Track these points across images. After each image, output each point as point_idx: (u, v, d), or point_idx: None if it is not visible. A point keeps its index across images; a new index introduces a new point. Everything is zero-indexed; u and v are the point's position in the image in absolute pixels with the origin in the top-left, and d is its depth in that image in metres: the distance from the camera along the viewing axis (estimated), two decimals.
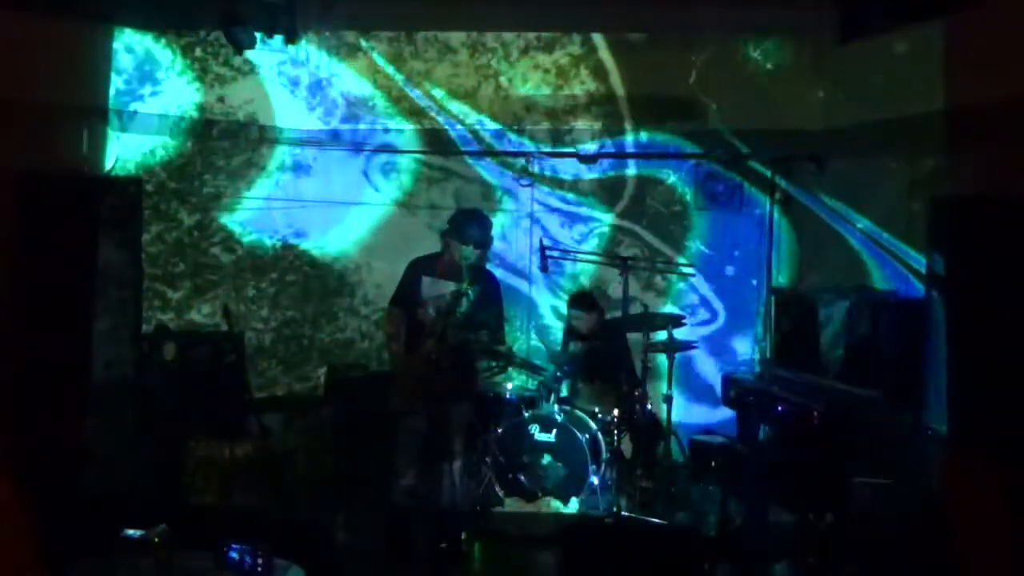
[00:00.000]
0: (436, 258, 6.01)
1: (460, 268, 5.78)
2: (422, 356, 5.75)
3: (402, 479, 5.95)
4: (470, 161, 7.93)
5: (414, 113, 7.85)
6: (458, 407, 5.95)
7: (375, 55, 7.80)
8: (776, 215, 7.39)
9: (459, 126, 7.86)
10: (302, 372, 7.85)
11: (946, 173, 6.05)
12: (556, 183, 7.93)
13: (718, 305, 7.94)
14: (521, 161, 7.88)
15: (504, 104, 7.84)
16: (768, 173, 6.62)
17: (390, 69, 7.81)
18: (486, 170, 7.94)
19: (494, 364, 6.77)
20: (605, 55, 7.81)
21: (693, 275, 7.80)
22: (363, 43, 7.77)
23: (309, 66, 7.71)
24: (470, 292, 5.67)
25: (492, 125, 7.87)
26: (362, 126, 7.84)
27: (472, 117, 7.86)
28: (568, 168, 7.92)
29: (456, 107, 7.86)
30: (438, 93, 7.84)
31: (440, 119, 7.85)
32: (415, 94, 7.83)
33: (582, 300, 7.12)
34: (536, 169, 7.90)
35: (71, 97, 6.48)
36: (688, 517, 6.38)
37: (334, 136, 7.84)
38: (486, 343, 5.95)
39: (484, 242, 5.97)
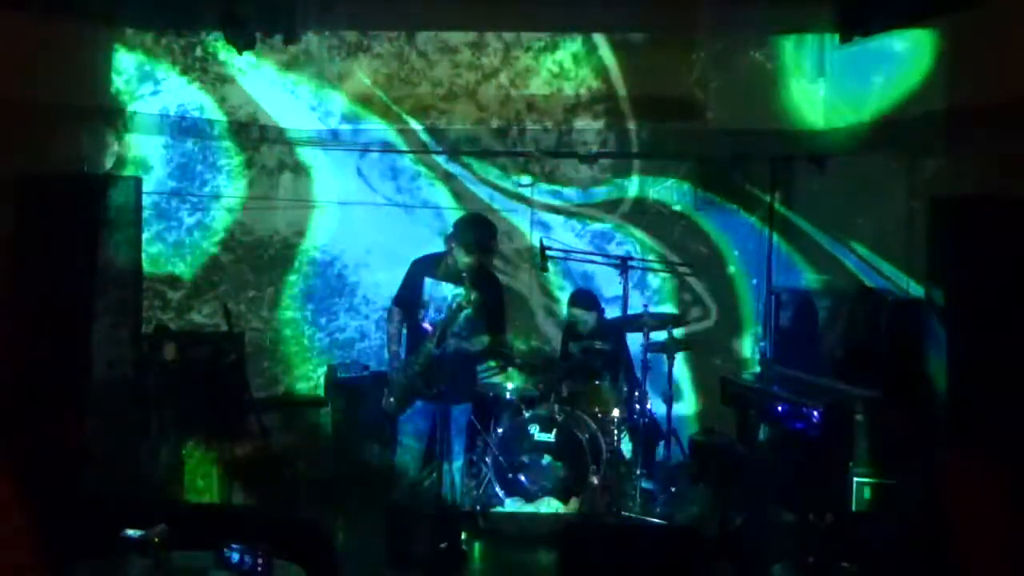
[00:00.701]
0: (439, 260, 6.00)
1: (460, 272, 5.78)
2: (421, 358, 5.75)
3: (401, 479, 5.95)
4: (470, 161, 7.93)
5: (414, 113, 7.85)
6: (457, 409, 5.95)
7: (377, 53, 7.80)
8: (776, 216, 7.42)
9: (458, 125, 7.86)
10: (302, 372, 7.86)
11: (946, 173, 6.04)
12: (557, 186, 7.96)
13: (719, 305, 7.95)
14: (521, 177, 7.90)
15: (504, 104, 7.84)
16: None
17: (391, 69, 7.81)
18: (486, 170, 7.95)
19: (494, 364, 6.79)
20: (605, 55, 7.82)
21: (692, 275, 7.80)
22: (363, 43, 7.78)
23: (309, 66, 7.71)
24: (472, 297, 5.67)
25: (492, 125, 7.87)
26: (362, 126, 7.85)
27: (472, 117, 7.86)
28: (569, 168, 7.93)
29: (456, 107, 7.85)
30: (438, 92, 7.84)
31: (439, 119, 7.85)
32: (415, 94, 7.83)
33: (583, 299, 7.12)
34: (536, 171, 7.91)
35: (71, 97, 6.47)
36: (688, 517, 6.38)
37: (334, 136, 7.84)
38: (487, 347, 5.95)
39: (487, 248, 5.95)
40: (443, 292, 5.83)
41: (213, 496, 6.11)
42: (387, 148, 7.89)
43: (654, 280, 7.94)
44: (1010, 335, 4.84)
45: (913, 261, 6.39)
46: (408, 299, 5.97)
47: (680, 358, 7.32)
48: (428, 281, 5.87)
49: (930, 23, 6.12)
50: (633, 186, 7.97)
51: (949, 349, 5.23)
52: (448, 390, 5.66)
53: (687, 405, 7.83)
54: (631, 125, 7.85)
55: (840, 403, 5.92)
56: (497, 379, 6.98)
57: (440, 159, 7.95)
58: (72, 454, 5.74)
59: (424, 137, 7.88)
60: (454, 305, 5.70)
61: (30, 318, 5.76)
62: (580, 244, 7.91)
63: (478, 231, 5.89)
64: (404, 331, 6.01)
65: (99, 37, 6.88)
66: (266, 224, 7.73)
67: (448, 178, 7.96)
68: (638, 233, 7.94)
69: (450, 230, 6.13)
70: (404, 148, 7.90)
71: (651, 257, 7.86)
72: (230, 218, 7.63)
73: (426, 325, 5.81)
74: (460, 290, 5.72)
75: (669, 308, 7.75)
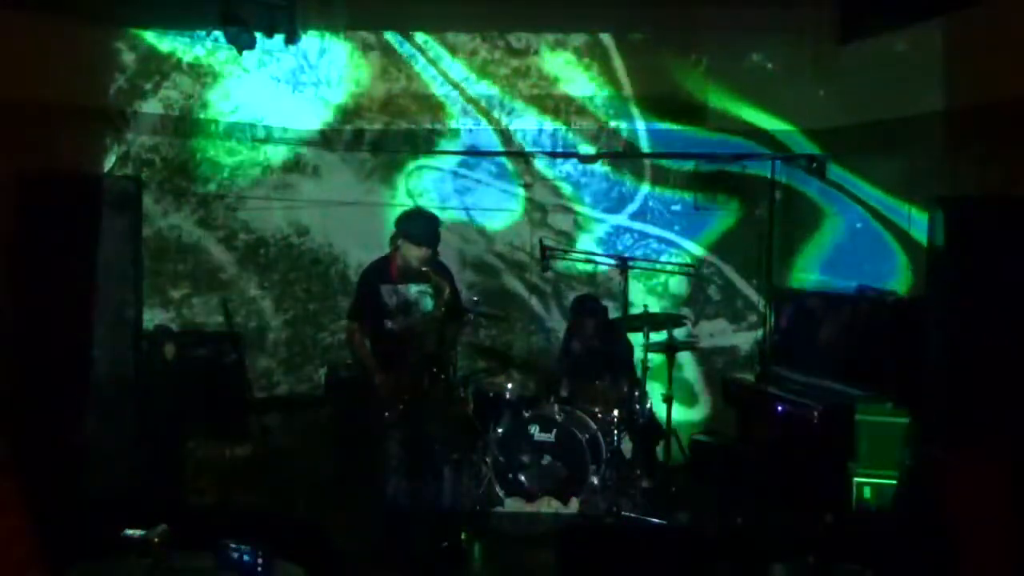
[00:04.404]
0: (387, 263, 5.94)
1: (415, 270, 5.76)
2: (404, 364, 5.70)
3: (401, 480, 5.94)
4: (473, 160, 7.94)
5: (415, 112, 7.85)
6: (451, 407, 5.94)
7: (377, 54, 7.80)
8: (776, 215, 7.41)
9: (460, 125, 7.87)
10: (302, 372, 7.86)
11: (946, 173, 6.05)
12: (559, 183, 7.96)
13: (718, 305, 7.96)
14: (522, 177, 7.91)
15: (506, 103, 7.85)
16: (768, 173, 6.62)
17: (392, 68, 7.82)
18: (487, 169, 7.95)
19: (494, 364, 6.79)
20: (607, 54, 7.82)
21: (693, 275, 7.81)
22: (365, 42, 7.78)
23: (310, 65, 7.71)
24: (440, 290, 5.66)
25: (494, 124, 7.88)
26: (364, 126, 7.85)
27: (473, 116, 7.87)
28: (571, 168, 7.93)
29: (457, 106, 7.86)
30: (438, 92, 7.84)
31: (441, 118, 7.86)
32: (416, 93, 7.84)
33: (587, 305, 7.12)
34: (539, 170, 7.92)
35: (71, 97, 6.48)
36: (688, 517, 6.38)
37: (335, 135, 7.85)
38: (455, 336, 5.93)
39: (435, 240, 5.92)
40: (402, 295, 5.80)
41: (213, 496, 6.11)
42: (388, 148, 7.89)
43: (656, 279, 7.93)
44: (1010, 335, 4.84)
45: (913, 261, 6.41)
46: (368, 309, 5.90)
47: (681, 358, 7.33)
48: (384, 288, 5.82)
49: (930, 23, 6.12)
50: (634, 186, 7.97)
51: (949, 349, 5.23)
52: (438, 392, 5.68)
53: (688, 405, 7.83)
54: (632, 125, 7.85)
55: (840, 403, 5.92)
56: (497, 379, 6.98)
57: (441, 158, 7.95)
58: (72, 454, 5.74)
59: (425, 136, 7.89)
60: (423, 303, 5.70)
61: (30, 318, 5.77)
62: (583, 244, 7.92)
63: (424, 226, 5.86)
64: (375, 343, 5.92)
65: (99, 37, 6.88)
66: (268, 223, 7.73)
67: (449, 177, 7.96)
68: (640, 233, 7.94)
69: (393, 229, 6.03)
70: (406, 148, 7.90)
71: (653, 256, 7.86)
72: (231, 217, 7.63)
73: (394, 332, 5.76)
74: (420, 287, 5.72)
75: (670, 308, 7.74)
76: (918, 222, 6.23)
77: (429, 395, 5.71)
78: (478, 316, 6.33)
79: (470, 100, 7.85)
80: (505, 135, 7.89)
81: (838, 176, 7.21)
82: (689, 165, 7.87)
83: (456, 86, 7.84)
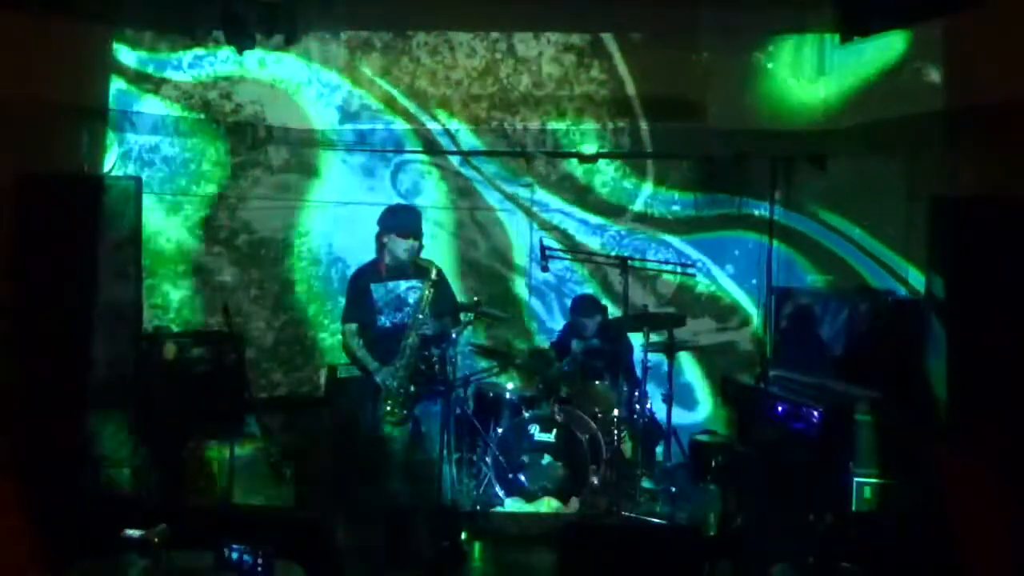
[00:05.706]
0: (376, 263, 5.94)
1: (404, 265, 5.76)
2: (406, 360, 5.69)
3: (401, 480, 5.94)
4: (473, 160, 7.94)
5: (416, 113, 7.85)
6: (453, 400, 5.95)
7: (378, 54, 7.80)
8: (776, 216, 7.42)
9: (461, 125, 7.86)
10: (302, 372, 7.86)
11: (946, 173, 6.05)
12: (560, 184, 7.96)
13: (717, 305, 7.96)
14: (522, 178, 7.91)
15: (507, 103, 7.84)
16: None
17: (393, 68, 7.82)
18: (488, 169, 7.95)
19: (494, 363, 6.79)
20: (608, 55, 7.81)
21: (694, 275, 7.81)
22: (365, 41, 7.78)
23: (311, 66, 7.71)
24: (433, 277, 5.66)
25: (494, 125, 7.88)
26: (365, 126, 7.85)
27: (474, 116, 7.86)
28: (571, 168, 7.93)
29: (458, 106, 7.86)
30: (440, 92, 7.84)
31: (442, 118, 7.86)
32: (417, 94, 7.83)
33: (586, 305, 7.12)
34: (541, 170, 7.91)
35: (71, 97, 6.47)
36: (688, 517, 6.38)
37: (337, 136, 7.84)
38: (453, 326, 5.93)
39: (420, 232, 5.92)
40: (394, 292, 5.80)
41: (213, 496, 6.11)
42: (390, 148, 7.89)
43: (657, 280, 7.93)
44: (1010, 335, 4.84)
45: (913, 261, 6.40)
46: (361, 310, 5.89)
47: (681, 358, 7.33)
48: (375, 287, 5.82)
49: (930, 23, 6.12)
50: (635, 186, 7.97)
51: (949, 349, 5.23)
52: (439, 385, 5.69)
53: (688, 405, 7.83)
54: (632, 125, 7.85)
55: (840, 403, 5.93)
56: (497, 379, 6.98)
57: (442, 159, 7.95)
58: (72, 454, 5.74)
59: (426, 137, 7.89)
60: (419, 295, 5.70)
61: (30, 318, 5.76)
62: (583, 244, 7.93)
63: (409, 219, 5.89)
64: (374, 343, 5.90)
65: (99, 37, 6.88)
66: (269, 223, 7.72)
67: (450, 178, 7.96)
68: (640, 233, 7.94)
69: (377, 228, 6.02)
70: (407, 148, 7.90)
71: (652, 257, 7.86)
72: (232, 217, 7.62)
73: (390, 330, 5.75)
74: (411, 283, 5.72)
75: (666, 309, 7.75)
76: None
77: (429, 393, 5.72)
78: (479, 316, 6.32)
79: (469, 99, 7.85)
80: (506, 135, 7.89)
81: (837, 175, 7.23)
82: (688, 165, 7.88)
83: (457, 85, 7.83)
